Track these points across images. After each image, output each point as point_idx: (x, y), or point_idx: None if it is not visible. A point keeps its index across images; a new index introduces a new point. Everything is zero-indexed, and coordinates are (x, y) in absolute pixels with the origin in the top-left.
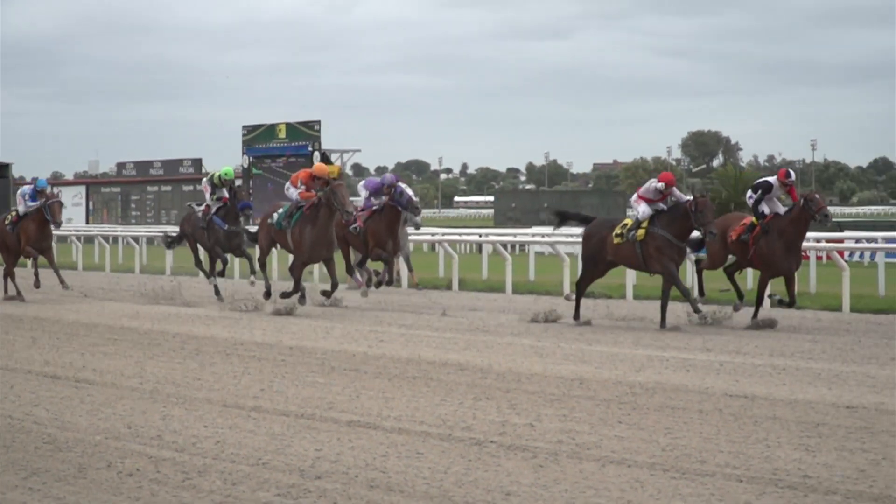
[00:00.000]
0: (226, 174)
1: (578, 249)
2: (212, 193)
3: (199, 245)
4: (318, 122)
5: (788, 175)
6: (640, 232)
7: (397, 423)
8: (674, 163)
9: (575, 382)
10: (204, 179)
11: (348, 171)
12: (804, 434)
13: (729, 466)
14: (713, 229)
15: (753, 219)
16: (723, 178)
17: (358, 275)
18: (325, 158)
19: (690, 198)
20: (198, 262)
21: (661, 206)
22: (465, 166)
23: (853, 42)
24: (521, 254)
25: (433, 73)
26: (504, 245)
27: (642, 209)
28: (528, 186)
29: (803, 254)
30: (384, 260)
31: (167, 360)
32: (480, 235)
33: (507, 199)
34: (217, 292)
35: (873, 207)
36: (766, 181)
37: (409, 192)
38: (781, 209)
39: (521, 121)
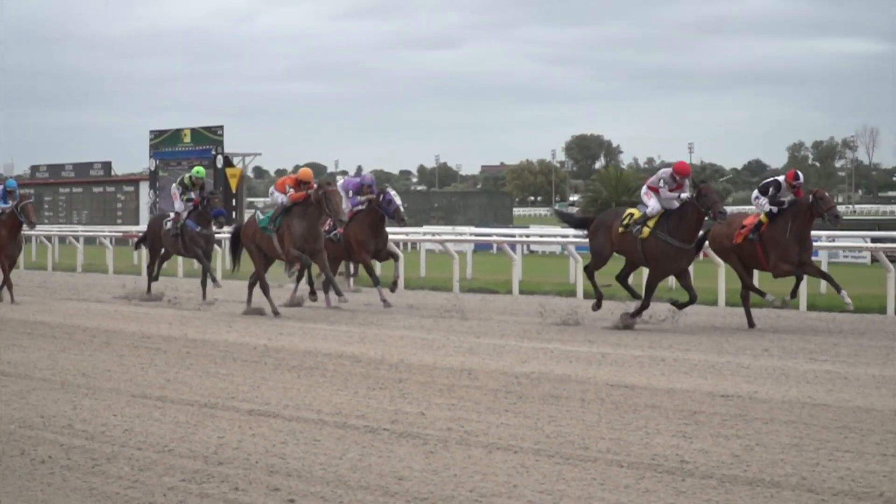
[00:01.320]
0: (197, 173)
1: (466, 247)
2: (182, 194)
3: (169, 251)
4: (221, 128)
5: (797, 177)
6: (645, 230)
7: (296, 411)
8: (558, 165)
9: (463, 373)
10: (173, 185)
11: (249, 174)
12: (681, 421)
13: (610, 452)
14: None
15: (762, 216)
16: (604, 179)
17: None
18: (228, 161)
19: (685, 196)
20: (151, 268)
21: (674, 202)
22: (359, 168)
23: (728, 51)
24: (413, 251)
25: (330, 80)
26: (397, 243)
27: (652, 204)
28: (419, 187)
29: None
30: (366, 266)
31: (78, 353)
32: None
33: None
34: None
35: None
36: (776, 181)
37: (398, 200)
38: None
39: (413, 125)
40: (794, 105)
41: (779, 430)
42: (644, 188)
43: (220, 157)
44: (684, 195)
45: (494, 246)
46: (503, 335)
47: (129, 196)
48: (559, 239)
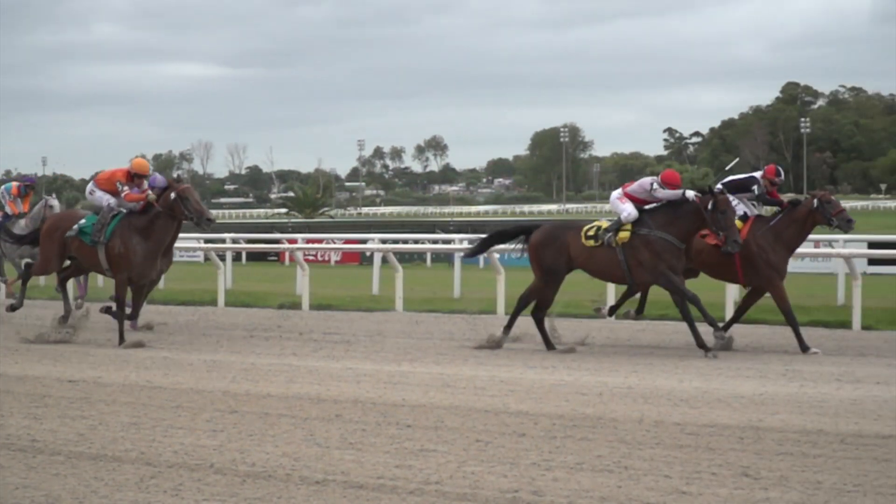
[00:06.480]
0: None
1: None
2: None
3: None
4: None
5: (778, 173)
6: (624, 234)
7: None
8: None
9: None
10: None
11: None
12: (32, 404)
13: None
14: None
15: (737, 221)
16: None
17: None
18: None
19: (691, 194)
20: None
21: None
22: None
23: (76, 74)
24: None
25: None
26: None
27: (629, 209)
28: None
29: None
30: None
31: None
32: None
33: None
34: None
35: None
36: (753, 177)
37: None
38: (755, 211)
39: None
40: (136, 122)
41: (119, 410)
42: (618, 193)
43: None
44: (689, 193)
45: None
46: None
47: None
48: None
